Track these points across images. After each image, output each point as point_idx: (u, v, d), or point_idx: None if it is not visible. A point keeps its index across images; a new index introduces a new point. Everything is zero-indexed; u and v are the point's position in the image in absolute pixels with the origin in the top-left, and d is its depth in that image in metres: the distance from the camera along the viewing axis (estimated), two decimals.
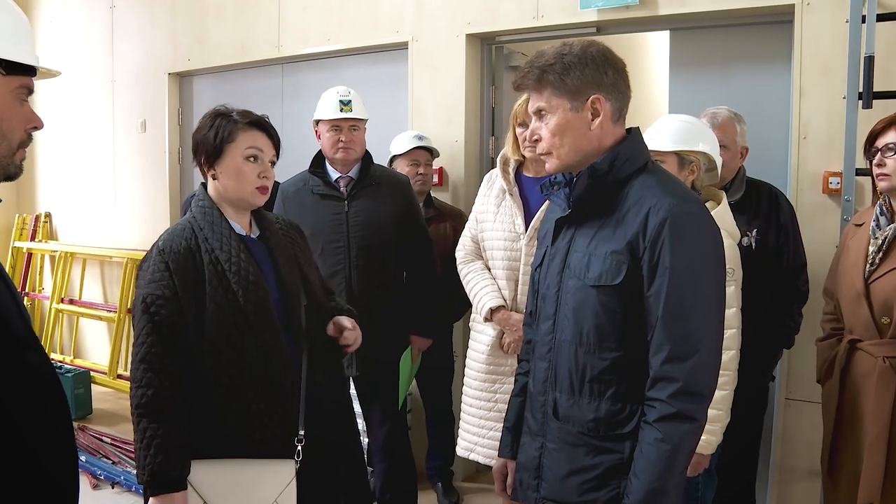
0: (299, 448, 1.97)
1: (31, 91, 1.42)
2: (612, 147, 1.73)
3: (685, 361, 1.59)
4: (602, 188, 1.72)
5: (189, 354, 1.92)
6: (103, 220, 5.88)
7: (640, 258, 1.63)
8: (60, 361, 5.75)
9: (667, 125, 2.46)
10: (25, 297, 6.30)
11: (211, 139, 2.03)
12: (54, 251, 6.09)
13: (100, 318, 5.84)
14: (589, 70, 1.70)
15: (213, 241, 1.98)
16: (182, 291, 1.92)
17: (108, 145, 5.77)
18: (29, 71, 1.40)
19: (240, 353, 1.94)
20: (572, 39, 1.77)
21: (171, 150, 5.42)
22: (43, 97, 6.15)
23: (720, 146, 2.56)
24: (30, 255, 6.29)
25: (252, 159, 2.04)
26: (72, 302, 6.02)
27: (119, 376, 5.58)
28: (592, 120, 1.71)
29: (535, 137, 1.79)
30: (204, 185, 2.14)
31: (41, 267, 6.37)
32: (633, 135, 1.78)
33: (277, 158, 2.13)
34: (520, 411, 1.98)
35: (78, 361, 5.89)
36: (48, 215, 6.29)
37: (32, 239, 6.25)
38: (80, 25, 5.85)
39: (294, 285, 2.09)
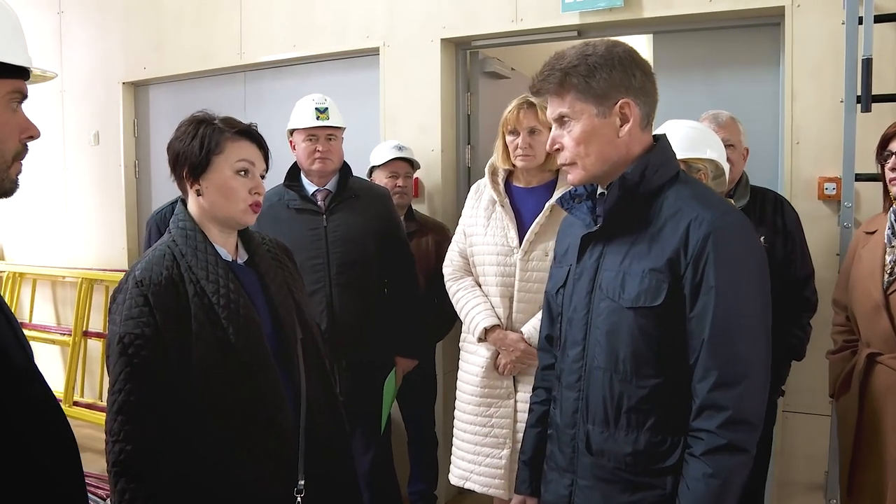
0: (299, 499, 1.76)
1: (24, 96, 1.27)
2: (640, 156, 1.60)
3: (734, 388, 1.46)
4: (633, 201, 1.58)
5: (173, 401, 1.68)
6: (54, 239, 5.55)
7: (682, 276, 1.50)
8: None
9: (673, 132, 2.31)
10: None
11: (196, 150, 1.80)
12: (1, 272, 5.74)
13: (53, 341, 5.51)
14: (616, 72, 1.56)
15: (198, 270, 1.75)
16: (164, 329, 1.68)
17: (58, 159, 5.45)
18: (21, 74, 1.25)
19: (231, 397, 1.72)
20: (594, 39, 1.64)
21: (126, 163, 5.13)
22: None
23: (727, 145, 2.47)
24: None
25: (243, 173, 1.82)
26: (21, 325, 5.67)
27: (76, 403, 5.25)
28: (621, 126, 1.58)
29: (557, 146, 1.64)
30: (183, 201, 1.92)
31: None
32: (662, 142, 1.66)
33: (267, 170, 1.93)
34: (537, 443, 1.84)
35: None
36: None
37: None
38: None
39: (289, 317, 1.87)
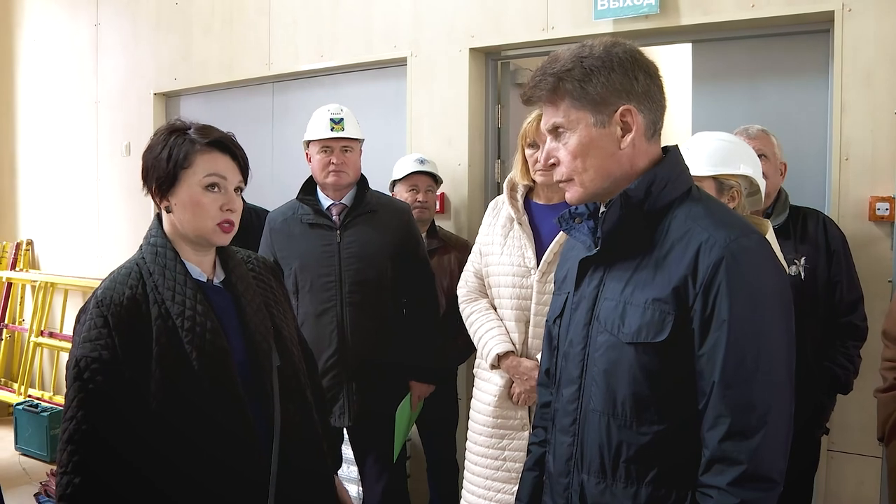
0: None
1: None
2: (646, 169, 1.41)
3: (750, 438, 1.26)
4: (637, 220, 1.39)
5: (130, 433, 1.54)
6: (86, 249, 5.56)
7: (690, 308, 1.30)
8: (38, 399, 5.40)
9: (703, 145, 2.13)
10: (4, 330, 5.98)
11: (164, 163, 1.67)
12: (34, 281, 5.76)
13: None
14: (615, 75, 1.38)
15: (164, 290, 1.62)
16: (124, 354, 1.54)
17: (91, 169, 5.46)
18: None
19: (193, 431, 1.57)
20: (591, 40, 1.45)
21: None
22: (24, 119, 5.88)
23: (759, 155, 2.26)
24: (9, 284, 5.96)
25: (213, 188, 1.68)
26: (52, 335, 5.67)
27: None
28: (622, 136, 1.39)
29: (552, 161, 1.46)
30: (159, 216, 1.79)
31: (22, 297, 6.03)
32: (672, 154, 1.46)
33: (245, 184, 1.78)
34: (534, 488, 1.65)
35: (58, 399, 5.53)
36: (30, 243, 5.97)
37: (13, 267, 5.92)
38: (64, 44, 5.58)
39: (264, 343, 1.72)
